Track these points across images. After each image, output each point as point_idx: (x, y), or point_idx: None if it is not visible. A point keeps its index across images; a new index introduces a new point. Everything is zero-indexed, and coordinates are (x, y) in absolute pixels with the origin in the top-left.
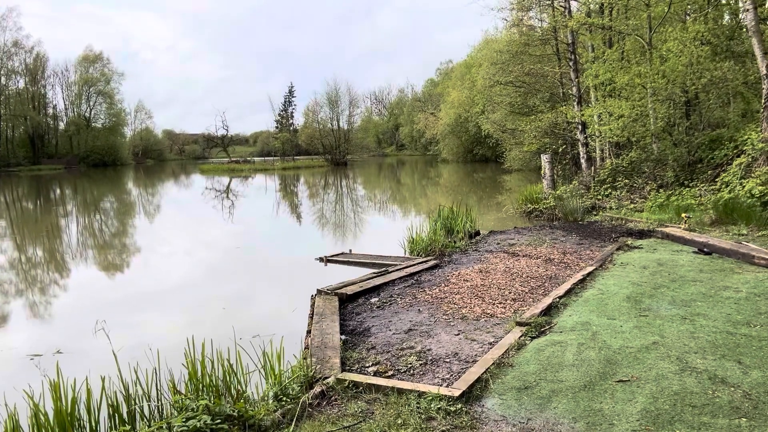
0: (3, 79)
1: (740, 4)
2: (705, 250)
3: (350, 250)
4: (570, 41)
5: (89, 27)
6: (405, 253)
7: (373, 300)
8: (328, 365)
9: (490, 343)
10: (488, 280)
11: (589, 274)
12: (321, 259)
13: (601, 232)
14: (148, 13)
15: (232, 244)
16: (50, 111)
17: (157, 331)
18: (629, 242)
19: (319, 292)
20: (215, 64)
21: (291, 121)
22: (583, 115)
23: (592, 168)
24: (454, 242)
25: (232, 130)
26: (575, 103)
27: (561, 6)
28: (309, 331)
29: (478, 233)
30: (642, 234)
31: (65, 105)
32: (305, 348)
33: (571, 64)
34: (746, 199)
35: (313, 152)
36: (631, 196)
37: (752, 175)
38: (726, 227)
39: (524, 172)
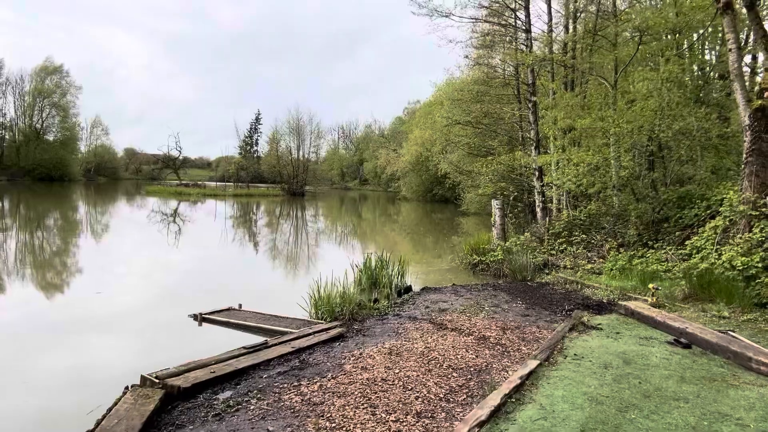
0: None
1: (727, 46)
2: (682, 341)
3: (240, 306)
4: (530, 81)
5: (61, 38)
6: (309, 314)
7: (221, 396)
8: None
9: None
10: (395, 371)
11: (530, 374)
12: (195, 317)
13: (552, 300)
14: (125, 32)
15: (96, 287)
16: None
17: None
18: (585, 319)
19: (143, 381)
20: (190, 87)
21: (255, 147)
22: (535, 161)
23: (548, 219)
24: (375, 301)
25: (199, 153)
26: (533, 148)
27: (523, 45)
28: None
29: (409, 289)
30: (601, 307)
31: (16, 114)
32: None
33: (530, 105)
34: (724, 271)
35: (274, 180)
36: (588, 254)
37: (730, 241)
38: (702, 305)
39: (481, 216)
